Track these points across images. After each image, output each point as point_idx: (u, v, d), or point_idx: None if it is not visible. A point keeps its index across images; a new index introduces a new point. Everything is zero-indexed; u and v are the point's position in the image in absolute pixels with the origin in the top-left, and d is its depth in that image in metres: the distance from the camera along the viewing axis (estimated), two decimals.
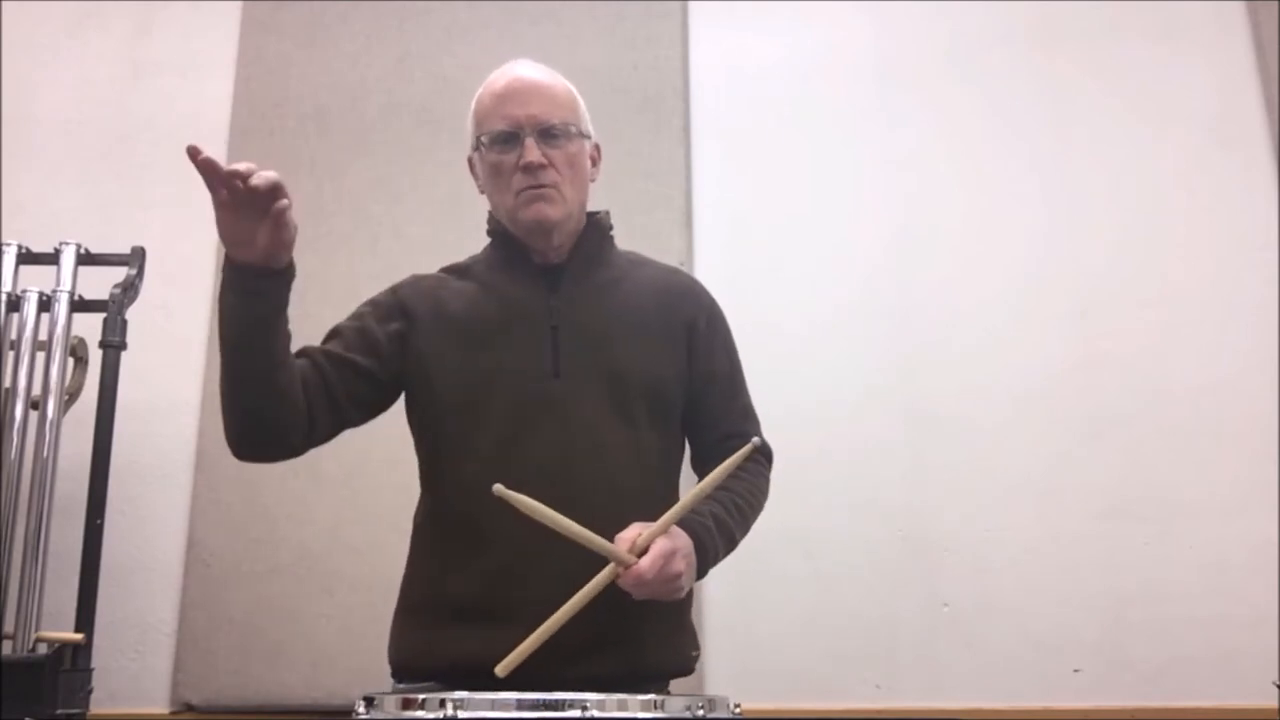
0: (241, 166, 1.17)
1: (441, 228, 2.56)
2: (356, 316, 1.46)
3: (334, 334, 1.44)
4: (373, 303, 1.48)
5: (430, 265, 1.56)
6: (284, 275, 1.26)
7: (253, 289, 1.24)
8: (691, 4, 2.77)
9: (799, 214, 2.63)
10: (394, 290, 1.49)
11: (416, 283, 1.50)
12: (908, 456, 2.45)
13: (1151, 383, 2.46)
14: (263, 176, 1.18)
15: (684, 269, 2.51)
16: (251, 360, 1.27)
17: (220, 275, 1.26)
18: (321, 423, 1.37)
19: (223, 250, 1.24)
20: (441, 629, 1.33)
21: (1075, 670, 2.31)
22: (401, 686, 1.36)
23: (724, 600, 2.32)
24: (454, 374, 1.39)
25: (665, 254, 2.46)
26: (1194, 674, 2.28)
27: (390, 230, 2.60)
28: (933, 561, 2.39)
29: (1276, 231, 2.54)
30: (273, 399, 1.29)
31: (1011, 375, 2.48)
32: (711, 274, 2.50)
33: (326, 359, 1.38)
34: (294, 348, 1.33)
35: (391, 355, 1.42)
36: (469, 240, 1.58)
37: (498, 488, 1.17)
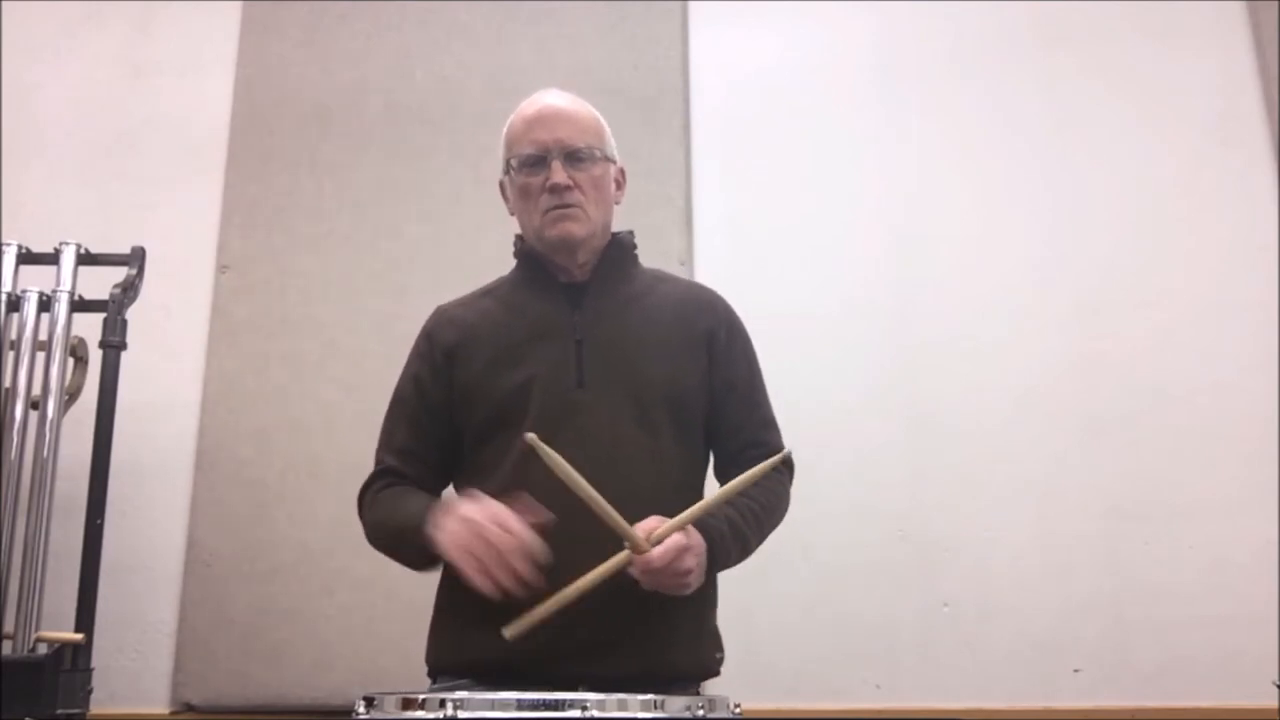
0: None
1: (441, 228, 2.56)
2: (414, 380, 1.52)
3: (401, 406, 1.53)
4: (419, 355, 1.54)
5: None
6: None
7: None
8: (691, 4, 2.77)
9: (799, 214, 2.62)
10: (428, 336, 1.54)
11: (443, 316, 1.56)
12: (908, 456, 2.45)
13: (1151, 383, 2.46)
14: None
15: (684, 269, 2.52)
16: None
17: (425, 529, 1.32)
18: (445, 483, 1.52)
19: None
20: (471, 629, 1.36)
21: (1075, 670, 2.31)
22: (436, 686, 1.41)
23: (724, 600, 2.30)
24: (489, 395, 1.45)
25: (665, 254, 2.47)
26: (1194, 674, 2.28)
27: (390, 230, 2.60)
28: (933, 562, 2.39)
29: (1276, 231, 2.54)
30: None
31: (1011, 375, 2.48)
32: (711, 274, 2.51)
33: (415, 462, 1.49)
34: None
35: (449, 406, 1.49)
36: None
37: (530, 436, 1.23)
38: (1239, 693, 2.22)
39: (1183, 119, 2.64)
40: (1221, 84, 2.66)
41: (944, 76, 2.70)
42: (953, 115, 2.67)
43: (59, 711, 1.97)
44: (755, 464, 1.37)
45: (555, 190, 1.46)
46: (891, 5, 2.75)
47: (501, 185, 1.57)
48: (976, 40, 2.72)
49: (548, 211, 1.47)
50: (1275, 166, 2.59)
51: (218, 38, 2.76)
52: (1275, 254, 2.52)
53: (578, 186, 1.47)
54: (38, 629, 2.05)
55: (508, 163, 1.52)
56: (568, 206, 1.46)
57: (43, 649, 2.03)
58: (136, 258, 2.28)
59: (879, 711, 2.30)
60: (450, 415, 1.48)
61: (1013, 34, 2.72)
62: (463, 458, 1.50)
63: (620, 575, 1.27)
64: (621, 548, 1.27)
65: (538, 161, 1.47)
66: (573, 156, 1.47)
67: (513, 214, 1.56)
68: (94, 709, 2.10)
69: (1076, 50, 2.70)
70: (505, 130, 1.54)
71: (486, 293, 1.58)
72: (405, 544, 1.38)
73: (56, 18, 2.79)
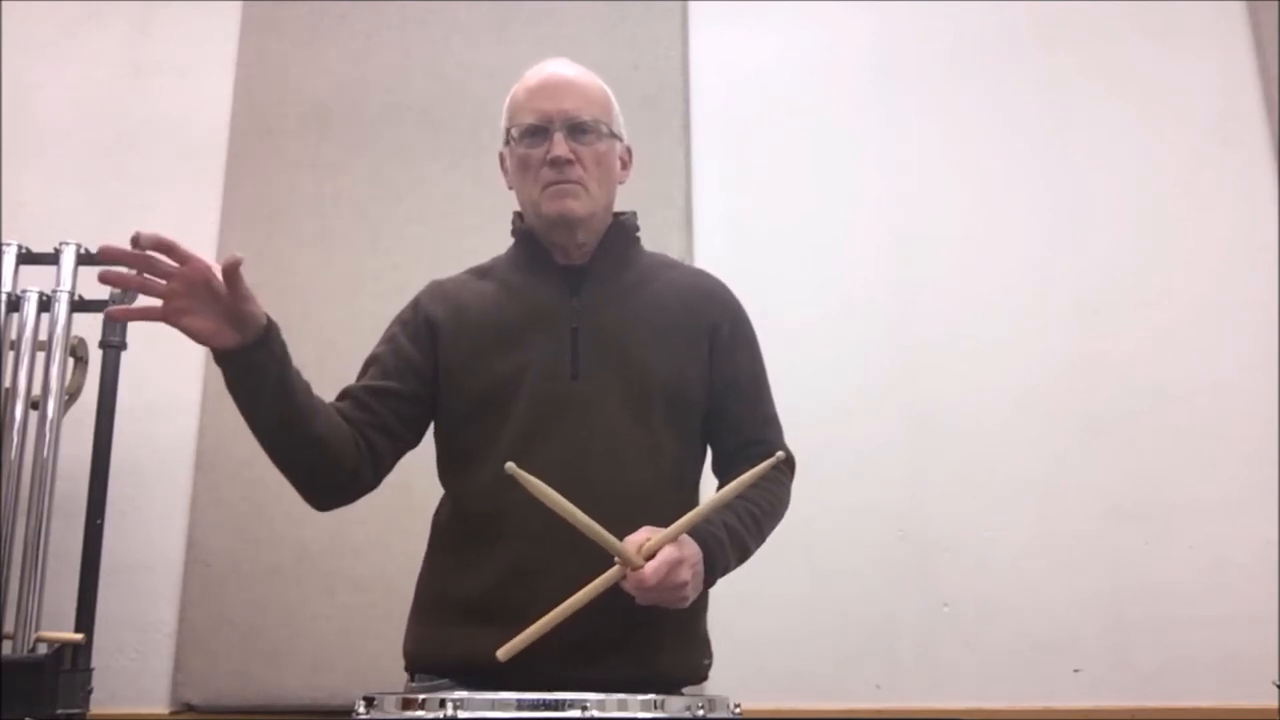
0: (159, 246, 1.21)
1: (441, 228, 2.56)
2: (389, 339, 1.46)
3: (371, 361, 1.45)
4: (400, 321, 1.48)
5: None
6: (269, 336, 1.24)
7: (250, 364, 1.22)
8: (691, 4, 2.77)
9: (799, 214, 2.62)
10: (415, 304, 1.49)
11: (436, 289, 1.50)
12: (908, 456, 2.45)
13: (1151, 383, 2.46)
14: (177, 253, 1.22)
15: None
16: (289, 428, 1.28)
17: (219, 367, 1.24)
18: (384, 453, 1.39)
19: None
20: (454, 625, 1.34)
21: (1075, 670, 2.31)
22: (414, 685, 1.37)
23: (724, 600, 2.30)
24: (477, 377, 1.40)
25: (665, 254, 2.47)
26: (1194, 674, 2.28)
27: (390, 230, 2.60)
28: (933, 561, 2.39)
29: (1276, 231, 2.54)
30: (329, 451, 1.31)
31: (1011, 375, 2.48)
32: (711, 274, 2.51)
33: (369, 393, 1.40)
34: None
35: (429, 370, 1.43)
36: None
37: (509, 466, 1.16)
38: (1239, 693, 2.22)
39: (1183, 119, 2.64)
40: (1221, 84, 2.66)
41: (944, 76, 2.70)
42: (953, 115, 2.67)
43: (59, 711, 1.97)
44: (756, 463, 1.30)
45: (556, 164, 1.38)
46: (891, 5, 2.75)
47: (501, 156, 1.50)
48: (976, 40, 2.72)
49: (547, 186, 1.40)
50: (1275, 166, 2.59)
51: (218, 38, 2.76)
52: (1275, 254, 2.52)
53: (580, 161, 1.39)
54: (38, 629, 2.05)
55: (508, 132, 1.45)
56: (568, 182, 1.39)
57: (43, 649, 2.03)
58: None
59: (879, 711, 2.30)
60: (418, 384, 1.41)
61: (1013, 34, 2.72)
62: (438, 437, 1.45)
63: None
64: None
65: (539, 132, 1.40)
66: (577, 129, 1.40)
67: (510, 187, 1.49)
68: (94, 709, 2.10)
69: (1076, 50, 2.70)
70: (508, 98, 1.47)
71: (483, 273, 1.51)
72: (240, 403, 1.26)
73: (56, 18, 2.79)
